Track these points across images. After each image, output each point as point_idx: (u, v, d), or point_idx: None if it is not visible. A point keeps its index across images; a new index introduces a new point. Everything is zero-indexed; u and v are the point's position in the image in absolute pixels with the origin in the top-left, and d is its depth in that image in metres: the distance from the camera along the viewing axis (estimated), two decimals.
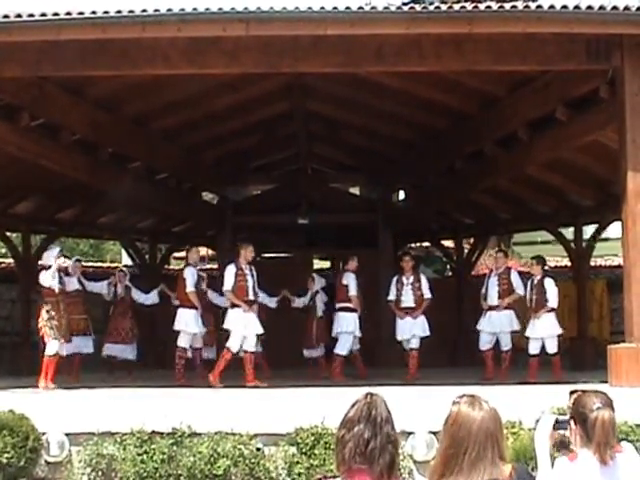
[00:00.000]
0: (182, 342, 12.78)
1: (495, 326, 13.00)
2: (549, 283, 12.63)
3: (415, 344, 13.09)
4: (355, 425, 3.35)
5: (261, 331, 12.13)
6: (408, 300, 13.21)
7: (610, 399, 3.77)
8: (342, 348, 13.20)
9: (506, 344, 12.98)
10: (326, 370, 13.63)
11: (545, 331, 12.56)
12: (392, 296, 13.34)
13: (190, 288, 12.73)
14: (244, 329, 11.94)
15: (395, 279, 13.45)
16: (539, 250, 22.95)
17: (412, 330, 13.08)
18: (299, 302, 14.38)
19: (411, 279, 13.30)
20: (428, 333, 13.10)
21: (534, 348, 12.59)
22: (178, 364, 12.62)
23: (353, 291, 13.29)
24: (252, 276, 12.14)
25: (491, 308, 13.06)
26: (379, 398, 3.45)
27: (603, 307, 16.66)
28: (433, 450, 7.64)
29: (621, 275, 10.85)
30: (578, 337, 15.85)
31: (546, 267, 13.41)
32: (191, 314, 12.77)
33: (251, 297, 12.07)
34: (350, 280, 13.36)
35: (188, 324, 12.74)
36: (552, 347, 12.55)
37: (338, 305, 13.45)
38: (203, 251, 26.37)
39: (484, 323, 13.13)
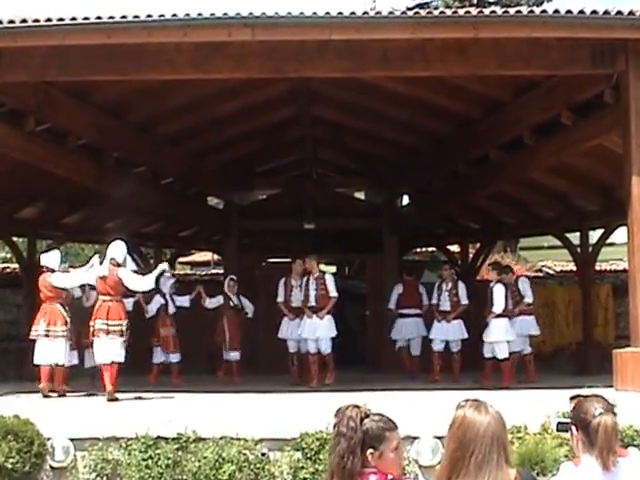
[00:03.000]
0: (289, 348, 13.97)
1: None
2: (497, 289, 12.87)
3: (455, 347, 13.81)
4: (334, 438, 3.51)
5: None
6: (445, 305, 13.89)
7: (611, 404, 3.76)
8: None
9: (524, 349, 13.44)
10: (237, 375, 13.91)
11: (493, 336, 12.76)
12: (434, 300, 14.09)
13: (278, 299, 13.85)
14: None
15: (436, 285, 14.15)
16: (546, 255, 23.06)
17: (447, 333, 13.79)
18: (210, 303, 14.35)
19: (449, 285, 13.98)
20: (466, 335, 13.72)
21: (487, 352, 12.85)
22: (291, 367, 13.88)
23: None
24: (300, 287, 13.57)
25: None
26: (351, 411, 3.52)
27: (608, 311, 16.62)
28: (438, 455, 7.64)
29: (626, 279, 10.85)
30: (583, 341, 15.83)
31: (507, 274, 13.66)
32: (284, 322, 13.85)
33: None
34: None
35: (285, 331, 13.87)
36: (501, 352, 12.70)
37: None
38: (209, 256, 26.54)
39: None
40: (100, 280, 11.21)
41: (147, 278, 11.55)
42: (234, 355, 14.15)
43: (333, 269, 22.42)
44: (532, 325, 13.60)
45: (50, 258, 12.02)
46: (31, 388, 11.83)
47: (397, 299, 14.69)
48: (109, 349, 10.98)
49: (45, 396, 11.29)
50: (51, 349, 11.55)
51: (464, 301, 13.82)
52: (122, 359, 11.01)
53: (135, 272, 11.69)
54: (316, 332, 13.08)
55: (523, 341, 13.42)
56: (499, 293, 12.83)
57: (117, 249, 11.36)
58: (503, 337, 12.75)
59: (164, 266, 12.14)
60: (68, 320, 11.62)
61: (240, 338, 14.27)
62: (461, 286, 14.00)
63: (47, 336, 11.56)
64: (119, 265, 11.24)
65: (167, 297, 14.00)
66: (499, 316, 12.79)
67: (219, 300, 14.35)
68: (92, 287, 12.13)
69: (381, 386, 11.48)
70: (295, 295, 13.63)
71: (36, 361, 11.65)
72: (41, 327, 11.61)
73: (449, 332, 13.77)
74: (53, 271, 11.81)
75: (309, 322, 13.16)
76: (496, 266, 13.88)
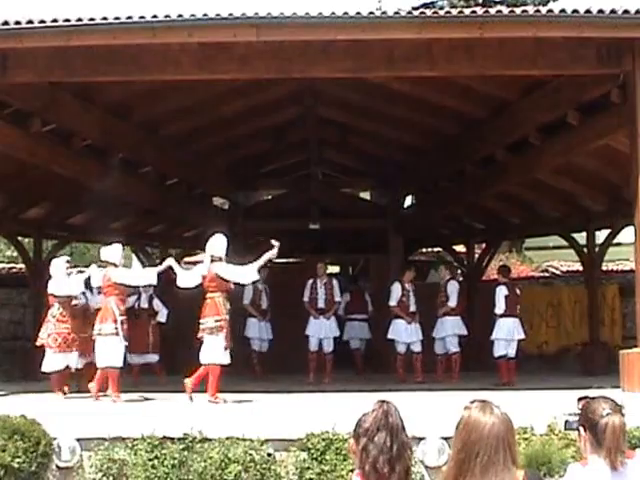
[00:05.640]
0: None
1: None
2: (498, 291, 13.38)
3: (417, 348, 13.97)
4: (375, 434, 3.38)
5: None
6: (411, 306, 14.13)
7: (619, 405, 3.75)
8: None
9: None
10: (164, 376, 13.55)
11: (501, 335, 13.25)
12: (393, 302, 14.17)
13: (244, 301, 14.48)
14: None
15: (400, 286, 14.23)
16: (552, 255, 23.00)
17: (411, 334, 13.97)
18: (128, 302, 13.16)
19: (413, 287, 14.28)
20: (421, 337, 13.98)
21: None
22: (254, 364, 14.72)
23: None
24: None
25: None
26: (392, 405, 3.46)
27: (615, 312, 16.56)
28: (445, 456, 7.63)
29: (633, 280, 10.82)
30: (590, 342, 15.79)
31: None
32: (250, 322, 14.79)
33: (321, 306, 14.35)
34: None
35: (251, 331, 14.78)
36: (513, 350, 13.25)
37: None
38: None
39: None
40: (204, 278, 10.89)
41: (250, 268, 10.94)
42: (152, 357, 13.71)
43: (337, 269, 22.43)
44: (459, 325, 14.09)
45: (111, 252, 11.46)
46: (37, 388, 11.85)
47: (345, 306, 15.58)
48: (213, 348, 10.65)
49: (96, 399, 10.80)
50: (101, 349, 10.99)
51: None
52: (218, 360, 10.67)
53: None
54: (328, 332, 14.17)
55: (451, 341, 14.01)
56: (499, 295, 13.27)
57: (215, 243, 10.99)
58: (515, 336, 13.17)
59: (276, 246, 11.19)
60: (118, 318, 10.93)
61: (157, 341, 13.81)
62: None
63: (99, 335, 11.02)
64: (220, 260, 10.87)
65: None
66: (506, 316, 13.12)
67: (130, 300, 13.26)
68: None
69: (387, 386, 11.46)
70: (263, 298, 14.97)
71: (98, 364, 11.09)
72: (96, 326, 11.07)
73: (410, 333, 13.99)
74: (115, 265, 11.27)
75: (315, 322, 14.14)
76: (500, 269, 14.21)
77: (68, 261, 12.36)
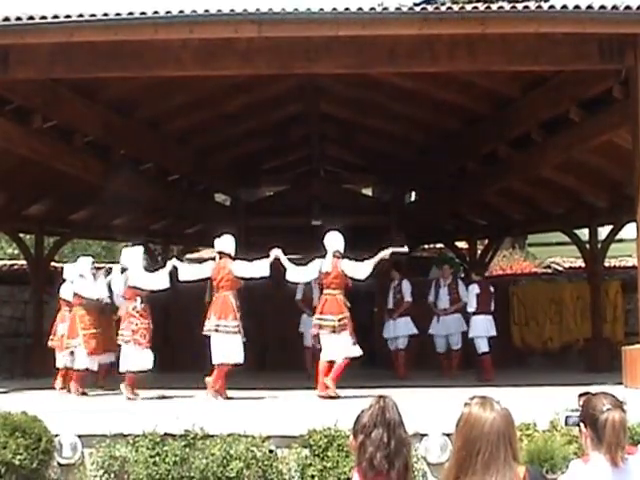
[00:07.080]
0: None
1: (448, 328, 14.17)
2: (470, 289, 13.75)
3: (402, 344, 14.20)
4: (372, 430, 3.38)
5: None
6: (389, 303, 14.47)
7: (620, 400, 3.73)
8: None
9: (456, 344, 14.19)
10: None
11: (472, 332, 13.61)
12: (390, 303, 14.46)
13: (297, 296, 14.40)
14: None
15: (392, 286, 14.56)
16: (554, 251, 22.96)
17: (396, 330, 14.22)
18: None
19: (396, 283, 14.49)
20: (414, 331, 14.09)
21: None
22: None
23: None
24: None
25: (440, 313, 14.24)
26: (390, 401, 3.46)
27: (617, 308, 16.53)
28: (447, 452, 7.61)
29: (635, 276, 10.79)
30: (592, 338, 15.77)
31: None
32: (303, 318, 14.53)
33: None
34: None
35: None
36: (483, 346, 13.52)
37: None
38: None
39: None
40: (324, 274, 10.88)
41: (366, 265, 10.98)
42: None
43: None
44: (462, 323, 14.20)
45: (225, 243, 11.28)
46: (38, 385, 11.84)
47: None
48: (336, 345, 10.64)
49: (227, 398, 10.59)
50: (222, 346, 10.68)
51: (407, 298, 14.22)
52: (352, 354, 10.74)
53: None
54: None
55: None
56: (471, 293, 13.61)
57: (337, 240, 11.01)
58: (484, 332, 13.46)
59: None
60: (238, 314, 10.76)
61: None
62: (405, 285, 14.35)
63: (217, 331, 10.72)
64: (342, 257, 10.89)
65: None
66: (478, 313, 13.49)
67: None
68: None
69: (389, 383, 11.45)
70: (315, 294, 14.70)
71: (214, 360, 10.72)
72: (212, 322, 10.76)
73: (395, 329, 14.22)
74: (230, 257, 11.09)
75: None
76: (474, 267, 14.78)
77: (145, 252, 12.01)
